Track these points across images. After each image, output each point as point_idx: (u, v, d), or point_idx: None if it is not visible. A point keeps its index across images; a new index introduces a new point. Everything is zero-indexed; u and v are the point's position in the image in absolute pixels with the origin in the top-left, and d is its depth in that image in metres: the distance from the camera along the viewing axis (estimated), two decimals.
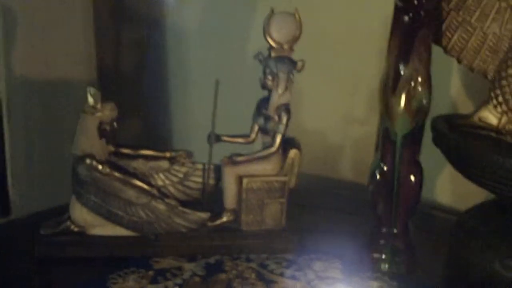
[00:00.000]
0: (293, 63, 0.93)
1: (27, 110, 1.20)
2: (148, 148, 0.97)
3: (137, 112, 1.40)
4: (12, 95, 1.17)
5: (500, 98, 0.96)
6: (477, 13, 0.94)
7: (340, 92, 1.24)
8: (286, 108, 0.94)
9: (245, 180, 0.95)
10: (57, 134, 1.19)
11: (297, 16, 0.93)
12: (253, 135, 0.97)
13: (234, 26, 1.32)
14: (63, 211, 0.95)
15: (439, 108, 0.97)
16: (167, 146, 1.42)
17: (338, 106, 1.26)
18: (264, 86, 0.94)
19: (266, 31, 0.93)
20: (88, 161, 0.90)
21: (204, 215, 0.95)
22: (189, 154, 0.98)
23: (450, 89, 1.16)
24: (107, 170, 0.91)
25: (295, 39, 0.93)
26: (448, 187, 1.20)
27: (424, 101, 0.89)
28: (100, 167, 0.91)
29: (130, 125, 1.38)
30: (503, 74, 0.95)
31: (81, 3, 1.27)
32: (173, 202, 0.93)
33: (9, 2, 1.15)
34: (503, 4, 0.94)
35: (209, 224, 0.95)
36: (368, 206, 0.94)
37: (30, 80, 1.20)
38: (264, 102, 0.96)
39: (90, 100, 0.89)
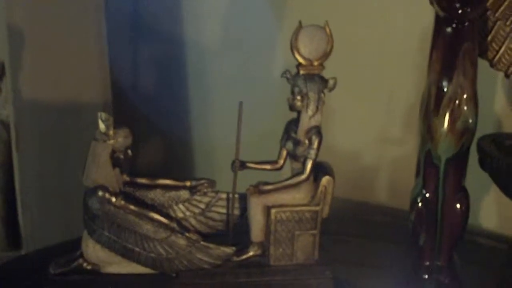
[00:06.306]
0: (324, 81, 0.89)
1: (36, 137, 1.19)
2: (166, 177, 0.94)
3: (155, 136, 1.39)
4: (21, 121, 1.16)
5: None
6: None
7: (374, 111, 1.23)
8: (317, 131, 0.90)
9: (273, 211, 0.91)
10: (69, 162, 1.17)
11: (327, 29, 0.89)
12: (281, 161, 0.93)
13: (258, 42, 1.32)
14: (77, 245, 0.92)
15: (483, 127, 0.93)
16: (187, 174, 1.42)
17: (372, 125, 1.25)
18: (292, 107, 0.90)
19: (293, 46, 0.89)
20: (100, 193, 0.87)
21: (228, 250, 0.91)
22: (212, 183, 0.94)
23: (495, 106, 1.15)
24: (121, 202, 0.88)
25: (325, 55, 0.89)
26: (494, 212, 1.18)
27: (470, 121, 0.86)
28: (113, 199, 0.88)
29: (148, 150, 1.40)
30: None
31: (94, 19, 1.25)
32: (194, 237, 0.90)
33: (16, 21, 1.14)
34: None
35: (235, 259, 0.92)
36: (408, 234, 0.92)
37: (39, 104, 1.18)
38: (292, 125, 0.92)
39: (102, 126, 0.86)
